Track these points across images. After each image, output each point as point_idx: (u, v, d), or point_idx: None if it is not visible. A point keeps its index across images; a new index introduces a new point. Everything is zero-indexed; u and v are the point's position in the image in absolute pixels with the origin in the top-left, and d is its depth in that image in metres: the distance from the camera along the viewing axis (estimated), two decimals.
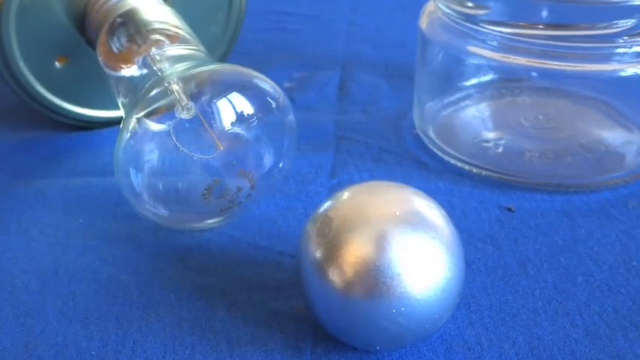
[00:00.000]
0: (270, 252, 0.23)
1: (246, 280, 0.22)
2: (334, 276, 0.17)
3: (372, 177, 0.27)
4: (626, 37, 0.24)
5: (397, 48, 0.37)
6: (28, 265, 0.22)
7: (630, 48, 0.24)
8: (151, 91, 0.21)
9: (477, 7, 0.26)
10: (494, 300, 0.21)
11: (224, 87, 0.22)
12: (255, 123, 0.22)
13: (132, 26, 0.25)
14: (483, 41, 0.26)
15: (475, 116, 0.29)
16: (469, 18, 0.26)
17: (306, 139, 0.29)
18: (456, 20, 0.26)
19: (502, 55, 0.25)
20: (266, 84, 0.22)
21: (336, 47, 0.38)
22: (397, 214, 0.18)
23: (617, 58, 0.25)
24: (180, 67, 0.22)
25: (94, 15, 0.26)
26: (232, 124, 0.22)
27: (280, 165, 0.24)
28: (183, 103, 0.21)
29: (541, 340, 0.19)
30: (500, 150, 0.27)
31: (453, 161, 0.27)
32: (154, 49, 0.23)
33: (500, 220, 0.24)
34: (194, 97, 0.22)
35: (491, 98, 0.29)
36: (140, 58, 0.23)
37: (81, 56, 0.28)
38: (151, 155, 0.22)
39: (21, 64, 0.27)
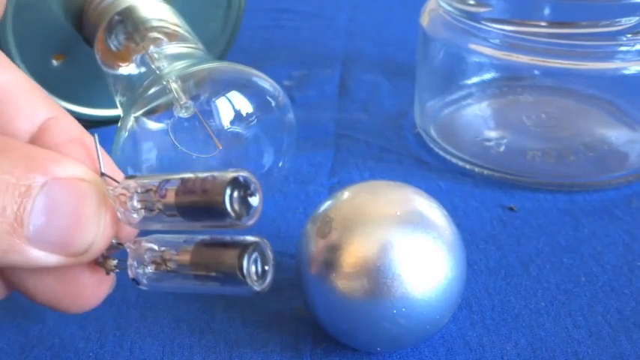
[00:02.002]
0: None
1: None
2: (334, 276, 0.17)
3: (373, 176, 0.27)
4: (629, 35, 0.24)
5: (398, 46, 0.37)
6: None
7: (633, 46, 0.24)
8: (150, 89, 0.21)
9: (479, 4, 0.26)
10: (496, 300, 0.21)
11: (223, 85, 0.22)
12: (254, 122, 0.22)
13: (130, 24, 0.25)
14: (485, 39, 0.26)
15: (477, 115, 0.29)
16: (471, 15, 0.26)
17: (306, 137, 0.29)
18: (458, 18, 0.26)
19: (504, 53, 0.25)
20: (265, 82, 0.22)
21: (337, 45, 0.38)
22: (398, 213, 0.18)
23: (620, 56, 0.24)
24: (179, 65, 0.22)
25: (92, 12, 0.26)
26: (231, 122, 0.22)
27: (280, 164, 0.23)
28: (181, 102, 0.21)
29: (544, 341, 0.19)
30: (502, 149, 0.27)
31: (454, 160, 0.27)
32: (152, 47, 0.23)
33: (503, 220, 0.24)
34: (193, 96, 0.21)
35: (493, 97, 0.29)
36: (138, 56, 0.23)
37: (78, 54, 0.28)
38: (150, 154, 0.22)
39: (17, 62, 0.27)
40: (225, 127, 0.22)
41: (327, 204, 0.19)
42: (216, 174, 0.14)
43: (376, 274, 0.17)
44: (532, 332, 0.19)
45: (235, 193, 0.14)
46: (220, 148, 0.22)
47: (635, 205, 0.25)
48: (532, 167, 0.26)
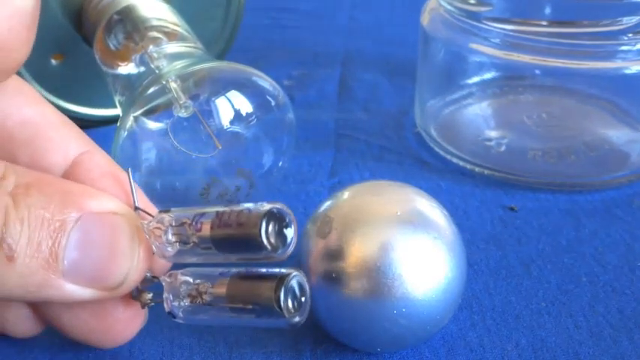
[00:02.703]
0: None
1: None
2: (334, 277, 0.17)
3: (373, 176, 0.27)
4: (630, 35, 0.24)
5: (398, 45, 0.37)
6: None
7: (635, 45, 0.24)
8: (149, 89, 0.21)
9: (480, 3, 0.26)
10: (496, 301, 0.20)
11: (223, 85, 0.22)
12: (254, 121, 0.22)
13: (129, 23, 0.24)
14: (486, 38, 0.26)
15: (477, 114, 0.29)
16: (471, 15, 0.26)
17: (306, 137, 0.29)
18: (458, 17, 0.26)
19: (505, 52, 0.25)
20: (265, 82, 0.22)
21: (337, 44, 0.38)
22: (398, 214, 0.17)
23: (622, 55, 0.24)
24: (178, 64, 0.22)
25: (91, 12, 0.26)
26: (231, 122, 0.22)
27: (280, 164, 0.23)
28: (181, 102, 0.21)
29: (544, 341, 0.19)
30: (502, 149, 0.27)
31: (455, 160, 0.27)
32: (151, 47, 0.23)
33: (503, 220, 0.24)
34: (192, 95, 0.21)
35: (493, 96, 0.29)
36: (137, 56, 0.23)
37: (77, 54, 0.28)
38: (149, 154, 0.22)
39: None
40: (225, 127, 0.22)
41: (327, 204, 0.19)
42: (251, 207, 0.14)
43: (376, 275, 0.17)
44: (533, 333, 0.19)
45: (270, 226, 0.14)
46: (220, 147, 0.22)
47: (636, 205, 0.25)
48: (533, 167, 0.26)
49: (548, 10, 0.25)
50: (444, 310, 0.18)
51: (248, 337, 0.19)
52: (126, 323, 0.17)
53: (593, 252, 0.22)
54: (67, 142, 0.17)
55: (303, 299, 0.15)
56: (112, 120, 0.29)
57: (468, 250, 0.19)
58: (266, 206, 0.14)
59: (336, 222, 0.18)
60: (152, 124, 0.22)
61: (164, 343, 0.19)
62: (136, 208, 0.16)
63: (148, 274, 0.16)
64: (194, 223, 0.15)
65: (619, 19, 0.24)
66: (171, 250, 0.15)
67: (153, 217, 0.16)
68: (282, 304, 0.14)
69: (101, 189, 0.16)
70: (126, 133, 0.21)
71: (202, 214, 0.15)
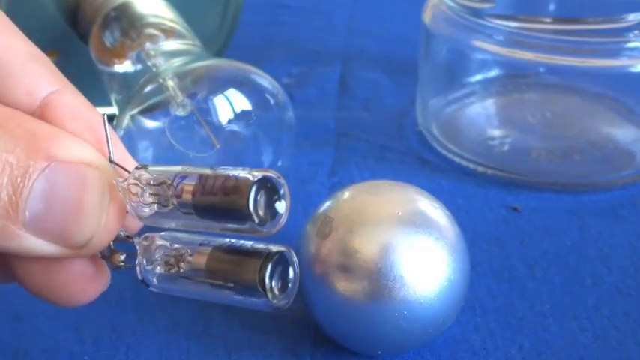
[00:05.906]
0: None
1: None
2: (334, 278, 0.17)
3: (374, 176, 0.26)
4: (636, 32, 0.24)
5: (400, 42, 0.37)
6: None
7: None
8: (146, 87, 0.21)
9: (483, 0, 0.25)
10: (499, 303, 0.20)
11: (221, 83, 0.22)
12: (252, 120, 0.22)
13: (126, 20, 0.24)
14: (489, 36, 0.25)
15: (480, 113, 0.29)
16: (474, 12, 0.25)
17: (306, 136, 0.28)
18: (461, 14, 0.26)
19: (508, 50, 0.25)
20: (264, 80, 0.22)
21: (337, 42, 0.37)
22: (400, 214, 0.17)
23: (627, 53, 0.24)
24: (176, 62, 0.22)
25: (87, 8, 0.26)
26: (229, 121, 0.22)
27: (279, 163, 0.23)
28: (178, 100, 0.21)
29: (548, 344, 0.19)
30: (506, 148, 0.27)
31: (457, 160, 0.27)
32: (148, 44, 0.23)
33: (506, 221, 0.24)
34: (190, 94, 0.21)
35: (496, 95, 0.29)
36: (134, 53, 0.23)
37: (73, 51, 0.27)
38: (146, 153, 0.22)
39: None
40: (223, 126, 0.22)
41: (327, 204, 0.18)
42: (239, 173, 0.13)
43: (377, 276, 0.17)
44: (536, 335, 0.19)
45: (260, 197, 0.13)
46: (218, 147, 0.21)
47: None
48: (536, 167, 0.26)
49: (552, 7, 0.25)
50: (446, 313, 0.17)
51: (247, 339, 0.19)
52: (82, 284, 0.15)
53: (597, 253, 0.22)
54: (33, 80, 0.15)
55: (289, 283, 0.13)
56: (109, 119, 0.29)
57: (471, 251, 0.19)
58: (256, 174, 0.13)
59: (337, 222, 0.17)
60: (149, 123, 0.21)
61: (162, 346, 0.19)
62: (111, 162, 0.14)
63: (122, 233, 0.15)
64: (174, 185, 0.13)
65: (624, 16, 0.24)
66: (147, 212, 0.14)
67: (129, 172, 0.14)
68: (266, 286, 0.13)
69: (73, 134, 0.14)
70: (122, 132, 0.21)
71: (184, 176, 0.13)
